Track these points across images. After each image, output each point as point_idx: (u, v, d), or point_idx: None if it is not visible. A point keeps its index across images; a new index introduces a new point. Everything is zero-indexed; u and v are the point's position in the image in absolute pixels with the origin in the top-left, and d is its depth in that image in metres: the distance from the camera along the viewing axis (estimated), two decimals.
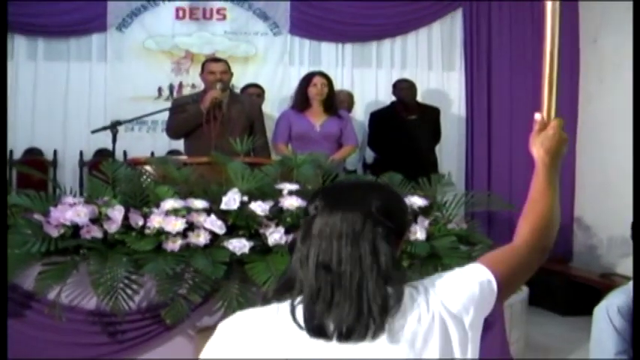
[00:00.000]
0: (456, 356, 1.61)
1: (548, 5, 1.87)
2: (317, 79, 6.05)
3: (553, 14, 1.88)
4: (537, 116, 2.07)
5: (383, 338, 1.56)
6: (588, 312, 3.70)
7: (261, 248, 3.86)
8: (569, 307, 6.66)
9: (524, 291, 4.57)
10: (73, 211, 3.78)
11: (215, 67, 5.74)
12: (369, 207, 1.65)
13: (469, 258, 3.90)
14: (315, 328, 1.56)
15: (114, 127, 5.20)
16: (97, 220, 3.84)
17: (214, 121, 5.47)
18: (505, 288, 1.78)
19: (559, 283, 6.98)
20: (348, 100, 7.28)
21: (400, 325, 1.57)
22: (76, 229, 3.79)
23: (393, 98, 7.29)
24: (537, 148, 2.02)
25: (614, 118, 7.18)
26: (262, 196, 3.98)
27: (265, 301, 1.72)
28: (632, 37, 6.52)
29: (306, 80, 6.13)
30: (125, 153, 7.02)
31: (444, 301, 1.64)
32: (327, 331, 1.55)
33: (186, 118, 5.67)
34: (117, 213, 3.84)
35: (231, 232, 3.88)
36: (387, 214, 1.66)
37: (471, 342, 1.65)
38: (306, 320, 1.56)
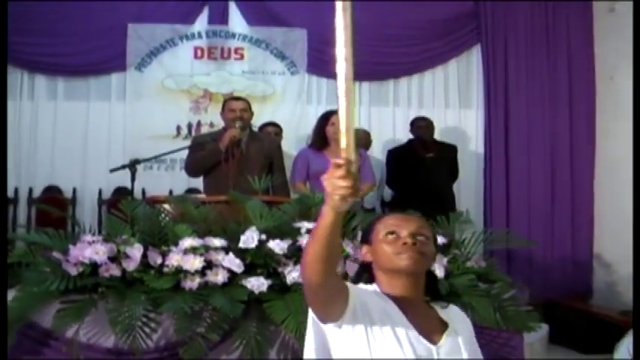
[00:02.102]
0: None
1: (339, 5, 1.66)
2: (335, 118, 6.04)
3: (345, 13, 1.66)
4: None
5: None
6: (609, 350, 3.66)
7: (280, 287, 3.85)
8: (589, 345, 6.59)
9: (543, 329, 4.53)
10: (91, 250, 3.80)
11: (235, 105, 5.78)
12: None
13: (488, 296, 3.89)
14: None
15: (133, 165, 5.24)
16: (115, 258, 3.85)
17: (232, 160, 5.50)
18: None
19: (579, 321, 6.92)
20: (365, 138, 7.28)
21: None
22: (94, 267, 3.80)
23: (411, 136, 7.30)
24: None
25: (632, 154, 7.15)
26: (280, 234, 3.99)
27: None
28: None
29: (324, 119, 6.14)
30: (144, 191, 7.03)
31: None
32: None
33: (204, 156, 5.70)
34: (135, 251, 3.85)
35: (250, 270, 3.88)
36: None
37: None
38: None
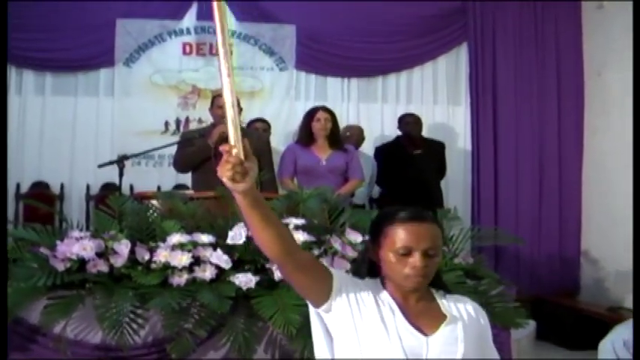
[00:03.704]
0: None
1: (215, 5, 1.89)
2: (320, 114, 6.07)
3: (220, 12, 1.91)
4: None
5: None
6: (596, 346, 3.68)
7: (268, 283, 3.85)
8: (576, 341, 6.60)
9: (531, 325, 4.54)
10: (79, 245, 3.79)
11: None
12: None
13: (475, 292, 3.89)
14: None
15: (121, 161, 5.24)
16: (103, 254, 3.84)
17: (221, 156, 5.47)
18: None
19: (566, 317, 6.94)
20: (358, 134, 7.28)
21: None
22: (82, 263, 3.80)
23: (399, 133, 7.30)
24: None
25: (620, 150, 7.18)
26: None
27: None
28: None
29: (310, 115, 6.15)
30: (132, 187, 7.02)
31: None
32: None
33: (193, 152, 5.69)
34: (123, 247, 3.84)
35: (238, 266, 3.88)
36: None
37: None
38: None
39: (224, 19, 1.91)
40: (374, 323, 2.15)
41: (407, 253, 2.18)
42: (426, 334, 2.17)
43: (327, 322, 2.22)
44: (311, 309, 2.26)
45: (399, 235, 2.20)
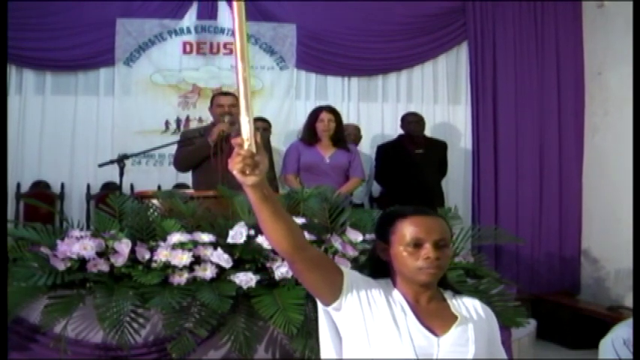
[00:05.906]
0: None
1: (235, 5, 1.84)
2: (324, 115, 6.09)
3: (239, 13, 1.85)
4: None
5: None
6: (596, 345, 3.67)
7: (268, 282, 3.85)
8: (577, 341, 6.61)
9: (531, 324, 4.54)
10: (79, 245, 3.79)
11: (224, 101, 5.76)
12: None
13: (476, 291, 3.89)
14: None
15: (121, 160, 5.23)
16: (103, 253, 3.85)
17: (221, 155, 5.48)
18: None
19: (567, 317, 6.94)
20: (356, 133, 7.27)
21: None
22: (82, 262, 3.80)
23: (400, 131, 7.29)
24: None
25: (620, 149, 7.17)
26: None
27: None
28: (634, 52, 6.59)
29: (314, 115, 6.17)
30: (132, 186, 7.02)
31: None
32: None
33: (193, 150, 5.68)
34: (124, 246, 3.84)
35: (238, 265, 3.88)
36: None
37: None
38: None
39: (243, 20, 1.86)
40: (385, 323, 2.14)
41: (418, 244, 2.18)
42: (437, 335, 2.16)
43: (337, 321, 2.21)
44: (320, 307, 2.23)
45: (409, 228, 2.20)
